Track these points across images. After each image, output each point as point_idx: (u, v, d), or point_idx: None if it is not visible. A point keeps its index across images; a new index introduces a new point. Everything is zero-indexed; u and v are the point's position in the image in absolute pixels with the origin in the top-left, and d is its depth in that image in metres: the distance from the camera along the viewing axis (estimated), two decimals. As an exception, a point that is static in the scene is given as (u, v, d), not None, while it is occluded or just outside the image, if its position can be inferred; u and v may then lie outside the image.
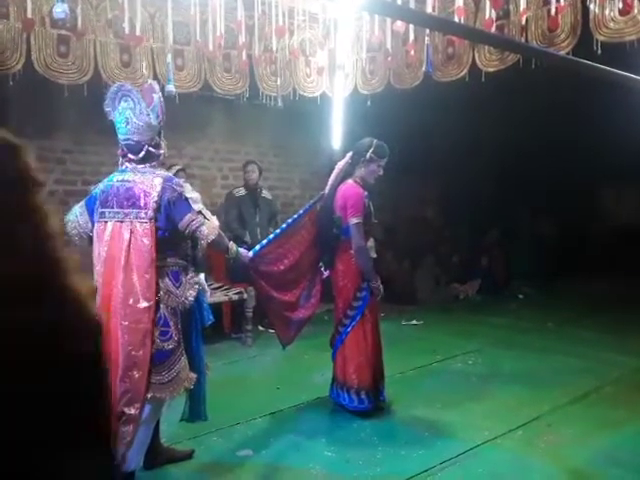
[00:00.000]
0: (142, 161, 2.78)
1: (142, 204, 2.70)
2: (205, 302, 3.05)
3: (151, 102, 2.76)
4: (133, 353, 2.64)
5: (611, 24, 3.66)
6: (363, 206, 3.75)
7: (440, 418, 3.77)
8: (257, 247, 3.54)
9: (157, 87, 2.86)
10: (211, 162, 6.92)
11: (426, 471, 3.06)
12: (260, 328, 5.92)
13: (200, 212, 2.77)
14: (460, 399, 4.13)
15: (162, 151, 2.87)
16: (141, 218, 2.69)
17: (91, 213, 2.83)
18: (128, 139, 2.76)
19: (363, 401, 3.73)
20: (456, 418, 3.76)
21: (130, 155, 2.79)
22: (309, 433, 3.56)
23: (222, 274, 5.80)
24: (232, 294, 5.51)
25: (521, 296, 8.08)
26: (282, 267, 3.62)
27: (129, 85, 2.84)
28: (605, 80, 2.01)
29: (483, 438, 3.44)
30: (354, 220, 3.68)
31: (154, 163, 2.83)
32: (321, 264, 3.86)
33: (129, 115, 2.72)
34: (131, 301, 2.64)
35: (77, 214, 2.87)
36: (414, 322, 6.57)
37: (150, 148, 2.78)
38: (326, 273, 3.87)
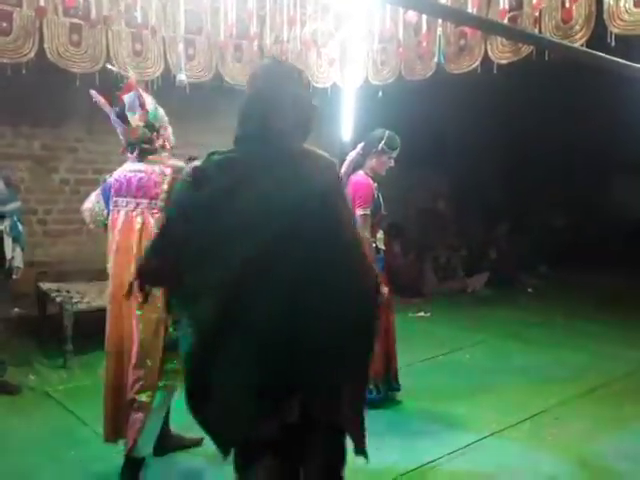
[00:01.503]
0: (140, 158, 2.83)
1: (153, 194, 2.72)
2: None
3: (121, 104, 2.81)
4: (147, 342, 2.66)
5: (625, 16, 3.60)
6: (372, 198, 3.75)
7: (447, 410, 3.79)
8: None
9: (133, 82, 2.86)
10: (220, 152, 6.91)
11: (433, 462, 3.09)
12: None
13: None
14: (467, 391, 4.14)
15: (160, 142, 2.89)
16: (152, 208, 2.72)
17: (107, 201, 2.89)
18: (122, 140, 2.88)
19: (372, 391, 3.74)
20: (463, 410, 3.78)
21: (128, 154, 2.87)
22: (317, 423, 3.58)
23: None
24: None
25: (530, 290, 8.06)
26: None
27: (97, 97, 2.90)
28: (618, 72, 2.00)
29: (490, 430, 3.46)
30: (360, 211, 3.67)
31: (165, 154, 2.87)
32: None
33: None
34: None
35: (94, 202, 2.96)
36: (422, 314, 6.58)
37: (144, 145, 2.82)
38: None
